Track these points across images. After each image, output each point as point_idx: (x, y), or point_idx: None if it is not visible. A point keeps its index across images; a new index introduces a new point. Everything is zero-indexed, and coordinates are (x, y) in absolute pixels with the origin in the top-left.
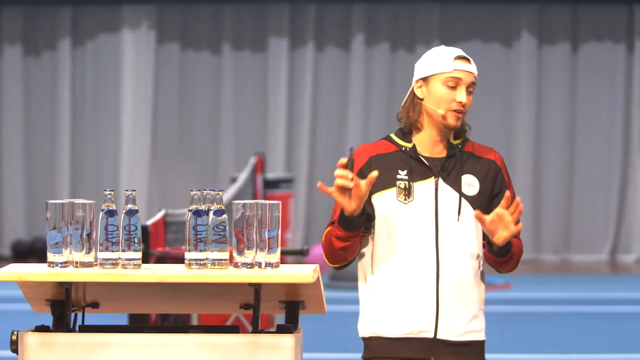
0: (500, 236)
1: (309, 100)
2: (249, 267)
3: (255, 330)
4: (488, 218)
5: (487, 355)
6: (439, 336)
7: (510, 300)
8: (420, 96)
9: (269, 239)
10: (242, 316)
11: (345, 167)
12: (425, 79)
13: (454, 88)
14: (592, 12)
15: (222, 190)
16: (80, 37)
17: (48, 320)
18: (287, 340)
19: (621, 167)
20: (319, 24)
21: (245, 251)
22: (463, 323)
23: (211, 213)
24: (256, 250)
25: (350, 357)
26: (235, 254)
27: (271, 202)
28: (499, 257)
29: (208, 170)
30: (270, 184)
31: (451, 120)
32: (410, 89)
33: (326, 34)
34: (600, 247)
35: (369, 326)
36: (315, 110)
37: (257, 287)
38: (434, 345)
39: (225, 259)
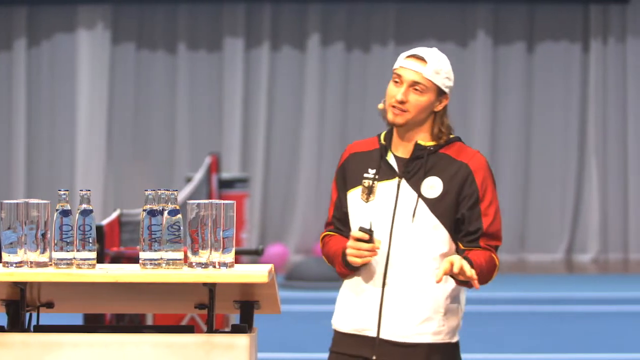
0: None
1: (264, 100)
2: (204, 267)
3: (210, 330)
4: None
5: None
6: (382, 336)
7: (466, 300)
8: None
9: (223, 238)
10: (197, 316)
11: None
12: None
13: (398, 84)
14: (547, 12)
15: (176, 190)
16: (35, 37)
17: (2, 321)
18: (241, 340)
19: (577, 167)
20: (274, 24)
21: (200, 251)
22: (413, 324)
23: (166, 213)
24: (211, 250)
25: (304, 356)
26: (189, 254)
27: (226, 201)
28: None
29: (163, 170)
30: (225, 184)
31: (389, 116)
32: None
33: (281, 33)
34: (555, 246)
35: (333, 319)
36: (270, 110)
37: (211, 287)
38: (376, 344)
39: (180, 259)
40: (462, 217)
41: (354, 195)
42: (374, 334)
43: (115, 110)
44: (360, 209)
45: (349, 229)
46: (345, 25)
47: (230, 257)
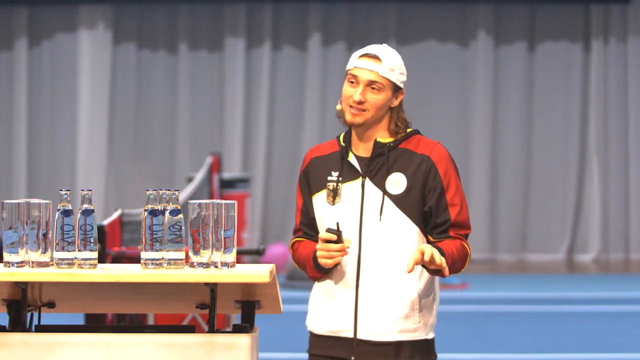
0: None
1: (266, 100)
2: (205, 267)
3: (212, 330)
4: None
5: (443, 355)
6: (359, 336)
7: (466, 300)
8: None
9: (225, 238)
10: (199, 316)
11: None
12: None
13: (354, 84)
14: (548, 12)
15: (178, 190)
16: (36, 37)
17: (4, 320)
18: (243, 340)
19: (578, 167)
20: (275, 24)
21: (201, 251)
22: (388, 323)
23: (167, 213)
24: (212, 250)
25: (305, 356)
26: (191, 254)
27: (227, 201)
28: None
29: (164, 170)
30: (227, 184)
31: (347, 117)
32: None
33: (283, 33)
34: (557, 246)
35: (308, 321)
36: (271, 109)
37: (213, 287)
38: (354, 345)
39: (181, 259)
40: (430, 210)
41: (320, 199)
42: (351, 335)
43: (117, 110)
44: (327, 212)
45: (317, 233)
46: (346, 25)
47: (231, 257)
